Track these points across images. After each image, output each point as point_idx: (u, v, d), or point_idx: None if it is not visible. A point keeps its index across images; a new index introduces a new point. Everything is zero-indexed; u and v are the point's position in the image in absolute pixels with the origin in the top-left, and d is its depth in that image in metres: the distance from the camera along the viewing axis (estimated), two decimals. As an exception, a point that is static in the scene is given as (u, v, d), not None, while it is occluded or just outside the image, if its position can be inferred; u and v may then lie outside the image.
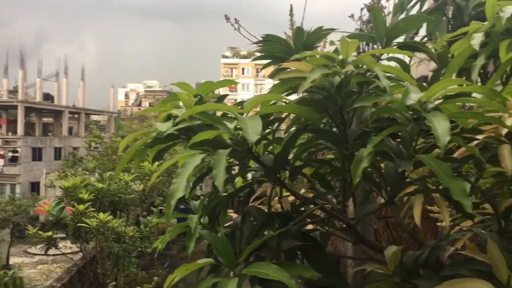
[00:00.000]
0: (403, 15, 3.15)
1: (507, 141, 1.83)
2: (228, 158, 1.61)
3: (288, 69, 1.78)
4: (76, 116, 51.37)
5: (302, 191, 3.15)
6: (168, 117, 2.11)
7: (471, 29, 1.68)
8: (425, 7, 3.16)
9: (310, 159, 2.08)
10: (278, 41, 2.01)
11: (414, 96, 1.44)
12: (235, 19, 2.28)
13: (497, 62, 1.99)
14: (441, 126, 1.33)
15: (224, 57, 79.88)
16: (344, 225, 2.06)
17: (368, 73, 1.71)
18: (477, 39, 1.57)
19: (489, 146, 1.92)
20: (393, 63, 2.16)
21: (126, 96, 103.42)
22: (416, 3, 3.17)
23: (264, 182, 1.93)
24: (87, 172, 13.21)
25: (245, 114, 1.66)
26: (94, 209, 8.37)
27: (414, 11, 3.22)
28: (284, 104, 1.68)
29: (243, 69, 76.09)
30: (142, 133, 2.22)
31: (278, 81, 1.78)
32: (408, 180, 1.83)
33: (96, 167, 12.61)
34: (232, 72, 76.21)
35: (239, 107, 2.13)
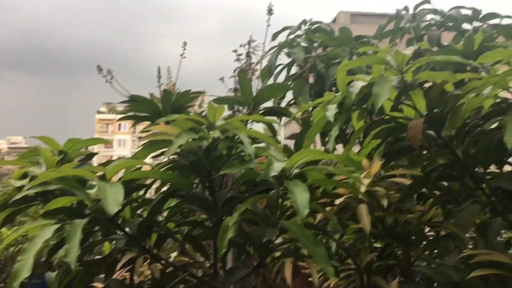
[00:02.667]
0: (271, 79, 3.35)
1: (365, 200, 1.97)
2: (86, 227, 1.47)
3: (156, 132, 1.72)
4: None
5: (175, 254, 3.03)
6: (24, 175, 1.90)
7: (326, 99, 1.81)
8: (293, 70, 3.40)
9: (181, 222, 2.01)
10: (146, 102, 1.96)
11: (277, 167, 1.49)
12: (108, 69, 2.19)
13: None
14: (300, 198, 1.40)
15: (100, 112, 76.96)
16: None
17: (237, 137, 1.74)
18: (331, 111, 1.70)
19: (349, 205, 2.05)
20: (261, 125, 2.24)
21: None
22: (283, 68, 3.39)
23: (128, 251, 1.79)
24: None
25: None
26: None
27: (283, 75, 3.45)
28: (148, 169, 1.61)
29: (119, 125, 73.85)
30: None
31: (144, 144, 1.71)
32: (276, 243, 1.85)
33: None
34: (108, 128, 73.39)
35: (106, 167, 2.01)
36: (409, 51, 1.66)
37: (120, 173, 1.65)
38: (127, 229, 1.70)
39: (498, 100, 1.69)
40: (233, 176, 1.86)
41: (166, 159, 1.62)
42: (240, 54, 2.20)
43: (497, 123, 1.64)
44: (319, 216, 1.88)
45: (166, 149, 1.58)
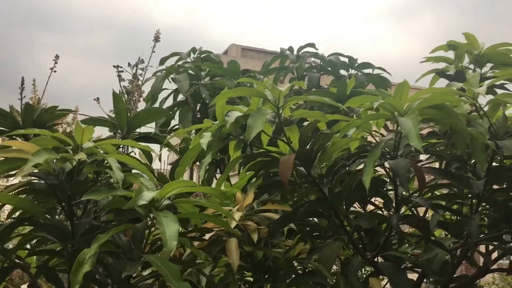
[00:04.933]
0: (157, 104, 3.25)
1: (237, 234, 1.96)
2: None
3: (11, 148, 1.53)
4: None
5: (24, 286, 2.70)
6: None
7: (204, 126, 1.79)
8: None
9: (35, 251, 1.80)
10: (3, 114, 1.75)
11: (147, 196, 1.41)
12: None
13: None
14: (169, 230, 1.34)
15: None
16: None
17: (106, 162, 1.62)
18: (205, 138, 1.68)
19: (220, 239, 2.02)
20: (137, 151, 2.12)
21: None
22: (169, 95, 3.32)
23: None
24: None
25: None
26: None
27: (169, 101, 3.36)
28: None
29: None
30: None
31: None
32: (141, 277, 1.74)
33: None
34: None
35: None
36: (284, 87, 1.71)
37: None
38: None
39: (364, 143, 1.80)
40: (99, 203, 1.73)
41: (18, 180, 1.43)
42: (122, 71, 2.08)
43: (362, 164, 1.74)
44: (188, 251, 1.81)
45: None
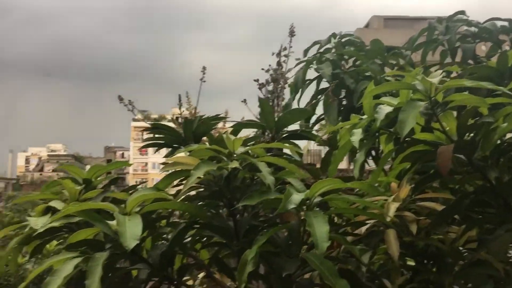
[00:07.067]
0: (298, 94, 3.32)
1: (392, 226, 1.90)
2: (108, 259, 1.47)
3: (177, 162, 1.73)
4: (-33, 183, 46.81)
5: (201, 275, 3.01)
6: (47, 209, 1.94)
7: (352, 122, 1.76)
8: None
9: (207, 243, 2.00)
10: (168, 129, 1.97)
11: (295, 199, 1.45)
12: (129, 100, 2.24)
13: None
14: (319, 231, 1.36)
15: (135, 120, 78.65)
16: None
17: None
18: (356, 136, 1.65)
19: (377, 230, 1.99)
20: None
21: (27, 161, 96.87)
22: (310, 82, 3.35)
23: (152, 281, 1.79)
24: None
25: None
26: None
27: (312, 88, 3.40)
28: (168, 201, 1.60)
29: (148, 134, 74.83)
30: (16, 227, 2.02)
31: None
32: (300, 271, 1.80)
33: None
34: (142, 135, 74.81)
35: (130, 192, 2.02)
36: (436, 78, 1.59)
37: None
38: (149, 260, 1.69)
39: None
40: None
41: (185, 190, 1.61)
42: (262, 86, 2.17)
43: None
44: (343, 247, 1.82)
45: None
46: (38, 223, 1.72)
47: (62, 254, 1.54)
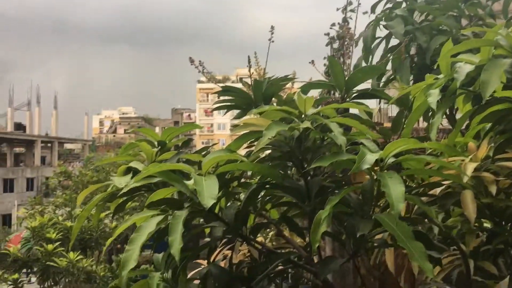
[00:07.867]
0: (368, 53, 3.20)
1: (469, 187, 1.84)
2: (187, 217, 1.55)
3: (247, 123, 1.75)
4: (49, 145, 50.36)
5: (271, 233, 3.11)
6: (128, 169, 2.06)
7: (427, 83, 1.68)
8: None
9: (277, 203, 2.04)
10: (238, 91, 1.99)
11: (369, 159, 1.43)
12: (199, 61, 2.26)
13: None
14: (395, 191, 1.33)
15: (200, 82, 80.00)
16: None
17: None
18: (433, 97, 1.57)
19: (453, 192, 1.92)
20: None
21: (101, 123, 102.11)
22: (381, 40, 3.22)
23: (226, 238, 1.87)
24: (56, 208, 12.82)
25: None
26: (63, 249, 8.11)
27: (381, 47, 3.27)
28: (241, 162, 1.64)
29: (218, 96, 75.83)
30: (100, 186, 2.16)
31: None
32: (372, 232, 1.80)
33: (65, 202, 12.26)
34: (207, 97, 76.24)
35: (203, 153, 2.09)
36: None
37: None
38: (225, 218, 1.76)
39: None
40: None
41: (257, 150, 1.63)
42: (332, 41, 2.11)
43: None
44: (416, 207, 1.79)
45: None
46: (122, 182, 1.83)
47: (144, 212, 1.64)
